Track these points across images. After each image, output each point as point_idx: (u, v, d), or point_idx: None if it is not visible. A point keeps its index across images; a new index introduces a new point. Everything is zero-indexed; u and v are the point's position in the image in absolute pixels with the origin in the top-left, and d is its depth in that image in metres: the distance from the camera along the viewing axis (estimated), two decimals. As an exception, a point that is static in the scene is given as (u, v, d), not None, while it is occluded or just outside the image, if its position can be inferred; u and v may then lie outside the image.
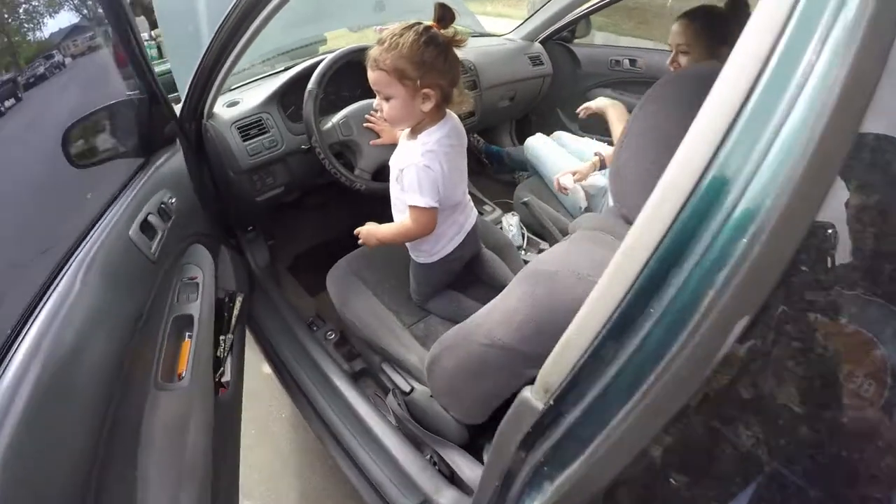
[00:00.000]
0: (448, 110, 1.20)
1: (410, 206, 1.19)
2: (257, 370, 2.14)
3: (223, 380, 1.33)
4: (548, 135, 2.13)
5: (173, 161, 1.38)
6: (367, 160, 1.57)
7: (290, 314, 1.78)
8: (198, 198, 1.48)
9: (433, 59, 1.05)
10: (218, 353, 1.35)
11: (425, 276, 1.42)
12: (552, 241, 1.74)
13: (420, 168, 1.13)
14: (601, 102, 1.67)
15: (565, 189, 1.73)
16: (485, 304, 1.43)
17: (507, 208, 2.17)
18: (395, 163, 1.25)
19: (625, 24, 4.19)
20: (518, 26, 2.32)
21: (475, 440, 1.26)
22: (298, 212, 2.09)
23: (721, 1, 1.48)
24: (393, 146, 1.59)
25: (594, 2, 2.09)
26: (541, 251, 1.80)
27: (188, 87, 1.51)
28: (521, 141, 2.56)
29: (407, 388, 1.40)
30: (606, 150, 1.99)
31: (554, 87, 2.32)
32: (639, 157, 0.75)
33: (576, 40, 2.41)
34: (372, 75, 1.10)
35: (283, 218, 1.98)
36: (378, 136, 1.61)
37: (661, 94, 0.77)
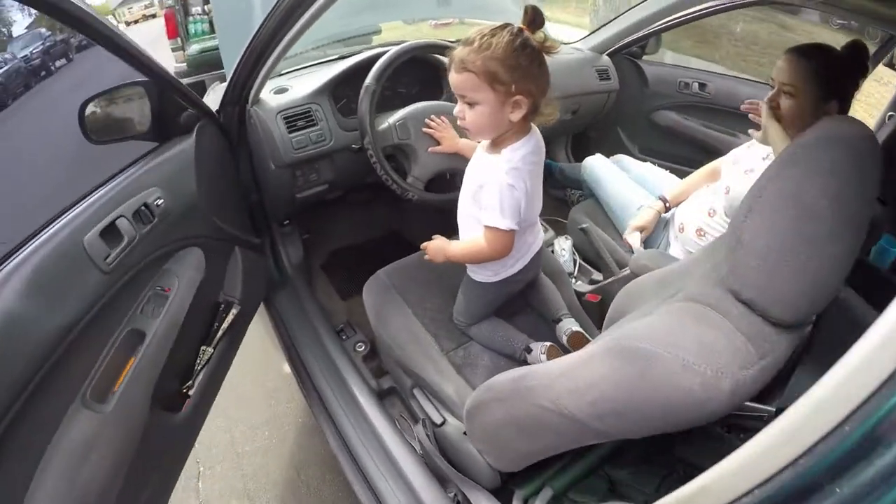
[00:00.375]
0: (532, 124, 1.07)
1: (487, 227, 1.07)
2: (278, 369, 2.02)
3: (189, 392, 1.23)
4: (606, 155, 1.96)
5: (177, 154, 1.23)
6: (422, 168, 1.42)
7: (318, 318, 1.65)
8: (220, 191, 1.36)
9: (528, 63, 0.94)
10: (196, 363, 1.26)
11: (479, 297, 1.29)
12: (607, 272, 1.58)
13: (504, 187, 1.01)
14: (762, 125, 1.34)
15: (631, 246, 1.59)
16: (532, 335, 1.32)
17: (556, 226, 2.01)
18: (472, 177, 1.12)
19: (683, 42, 3.97)
20: (586, 36, 2.15)
21: (506, 485, 1.13)
22: (338, 207, 1.96)
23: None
24: (452, 156, 1.45)
25: (675, 17, 1.90)
26: (592, 281, 1.64)
27: (235, 68, 1.38)
28: (577, 157, 2.40)
29: (439, 420, 1.27)
30: (664, 178, 1.82)
31: (617, 104, 2.15)
32: (772, 227, 0.62)
33: (645, 57, 2.23)
34: (457, 77, 0.98)
35: (321, 212, 1.84)
36: (437, 143, 1.46)
37: (801, 158, 0.64)
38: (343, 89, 1.61)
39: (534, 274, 1.34)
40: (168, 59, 4.18)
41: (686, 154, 2.18)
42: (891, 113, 1.67)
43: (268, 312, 1.74)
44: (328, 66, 1.67)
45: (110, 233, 0.96)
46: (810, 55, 1.23)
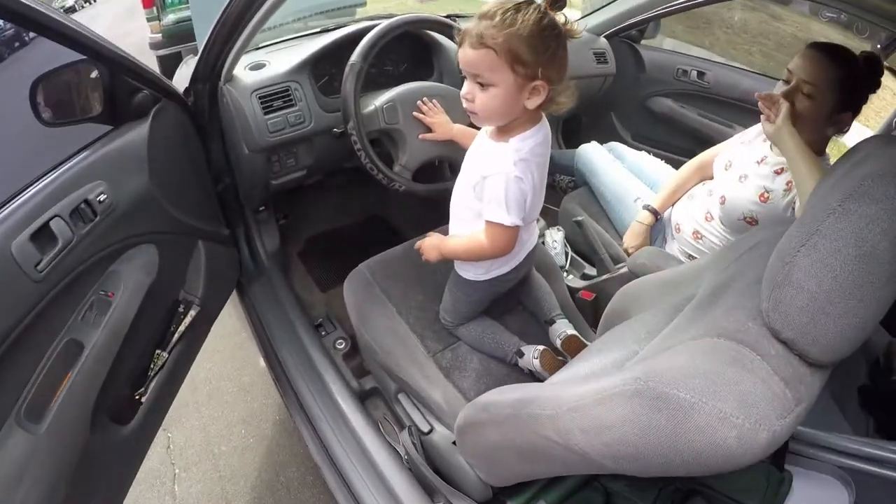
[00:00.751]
0: (542, 113, 0.96)
1: (490, 223, 0.97)
2: (253, 363, 1.89)
3: (142, 398, 1.13)
4: (600, 142, 1.85)
5: (128, 142, 1.08)
6: (410, 156, 1.28)
7: (294, 312, 1.52)
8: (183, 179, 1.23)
9: (555, 46, 0.84)
10: (150, 368, 1.16)
11: (467, 295, 1.18)
12: (601, 267, 1.48)
13: (511, 179, 0.91)
14: (776, 125, 1.17)
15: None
16: (524, 336, 1.20)
17: (545, 214, 1.89)
18: (474, 166, 1.01)
19: (675, 27, 3.84)
20: (584, 16, 2.01)
21: (497, 497, 1.04)
22: (317, 190, 1.81)
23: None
24: (443, 143, 1.31)
25: (678, 2, 1.76)
26: (585, 276, 1.54)
27: (206, 40, 1.23)
28: (567, 143, 2.28)
29: (426, 428, 1.18)
30: (660, 168, 1.71)
31: (612, 88, 2.02)
32: (828, 267, 0.53)
33: (643, 41, 2.10)
34: (472, 54, 0.85)
35: (298, 195, 1.69)
36: (427, 129, 1.32)
37: (870, 193, 0.53)
38: (325, 66, 1.45)
39: (526, 271, 1.24)
40: (144, 29, 3.92)
41: (680, 143, 2.08)
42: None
43: (242, 305, 1.61)
44: (309, 41, 1.51)
45: (43, 235, 0.85)
46: (839, 61, 1.12)
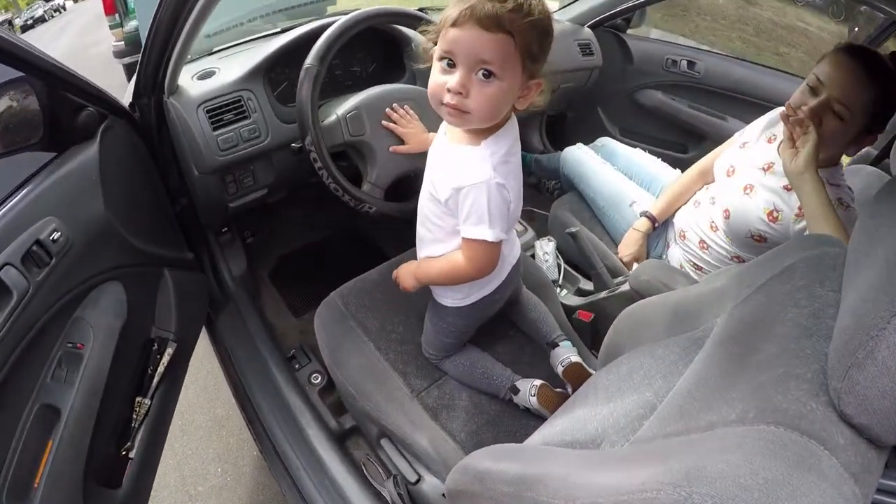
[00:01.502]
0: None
1: (469, 240, 0.81)
2: (227, 395, 1.68)
3: (130, 454, 1.03)
4: (587, 140, 1.66)
5: (77, 168, 0.93)
6: (381, 172, 1.07)
7: (265, 344, 1.33)
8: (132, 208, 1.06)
9: (551, 43, 0.72)
10: (132, 418, 1.04)
11: (449, 325, 1.00)
12: (598, 281, 1.30)
13: (493, 188, 0.76)
14: (798, 167, 0.98)
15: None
16: (517, 366, 1.05)
17: (531, 220, 1.71)
18: (442, 178, 0.82)
19: (652, 15, 3.65)
20: (566, 5, 1.80)
21: None
22: (284, 205, 1.60)
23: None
24: (419, 156, 1.11)
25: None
26: (581, 291, 1.37)
27: (143, 49, 1.05)
28: (552, 142, 2.08)
29: (413, 478, 1.03)
30: (655, 166, 1.54)
31: (598, 82, 1.83)
32: None
33: (629, 31, 1.91)
34: (486, 38, 0.67)
35: (264, 211, 1.49)
36: (400, 141, 1.11)
37: None
38: (282, 70, 1.24)
39: (513, 290, 1.06)
40: (107, 37, 3.63)
41: (671, 137, 1.91)
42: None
43: (210, 338, 1.41)
44: (265, 42, 1.29)
45: None
46: (877, 76, 0.94)
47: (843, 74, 0.96)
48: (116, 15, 3.46)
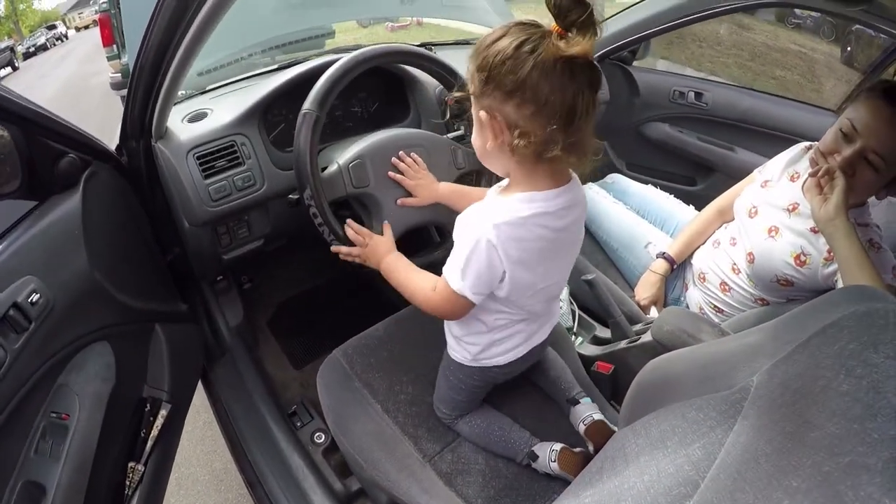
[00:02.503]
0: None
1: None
2: (225, 446, 1.56)
3: None
4: (594, 178, 1.57)
5: (57, 221, 0.85)
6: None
7: (263, 400, 1.22)
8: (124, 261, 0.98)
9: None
10: (126, 485, 0.95)
11: (460, 381, 0.91)
12: (616, 330, 1.19)
13: (481, 243, 0.68)
14: (828, 213, 0.91)
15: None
16: (536, 427, 0.95)
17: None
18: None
19: (654, 45, 3.63)
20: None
21: None
22: (284, 250, 1.49)
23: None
24: (429, 207, 1.00)
25: (674, 20, 1.48)
26: (597, 340, 1.26)
27: (128, 91, 0.96)
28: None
29: None
30: (668, 204, 1.45)
31: (604, 116, 1.75)
32: None
33: (634, 63, 1.83)
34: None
35: (262, 256, 1.38)
36: (408, 193, 0.99)
37: None
38: (279, 112, 1.15)
39: (530, 364, 0.96)
40: (105, 69, 3.55)
41: (679, 171, 1.82)
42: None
43: (206, 391, 1.30)
44: (261, 82, 1.21)
45: None
46: None
47: (882, 125, 0.87)
48: (114, 46, 3.37)
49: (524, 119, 0.62)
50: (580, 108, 0.60)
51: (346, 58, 0.93)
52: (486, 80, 0.62)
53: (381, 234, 0.94)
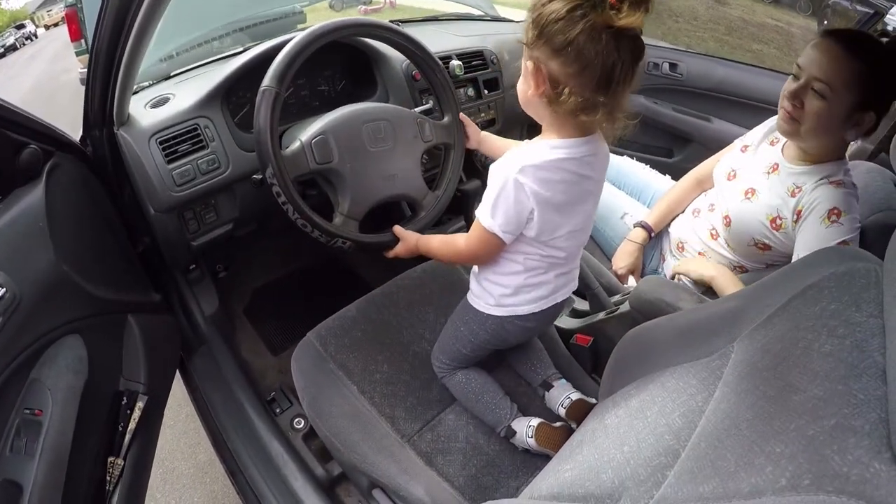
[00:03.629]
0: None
1: (476, 218, 0.80)
2: (206, 441, 1.55)
3: None
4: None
5: (20, 214, 0.82)
6: (354, 201, 0.93)
7: (242, 389, 1.21)
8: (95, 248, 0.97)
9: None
10: (106, 480, 0.94)
11: (472, 333, 0.92)
12: (595, 302, 1.19)
13: (509, 181, 0.73)
14: (702, 271, 1.05)
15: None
16: (518, 401, 0.96)
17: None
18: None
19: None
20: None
21: None
22: (258, 235, 1.47)
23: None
24: (400, 178, 0.99)
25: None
26: (576, 313, 1.25)
27: (87, 79, 0.94)
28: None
29: None
30: (645, 174, 1.45)
31: (580, 89, 1.73)
32: None
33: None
34: None
35: (235, 242, 1.36)
36: (371, 165, 0.97)
37: None
38: (243, 93, 1.12)
39: (541, 330, 1.04)
40: (75, 65, 3.46)
41: (656, 142, 1.81)
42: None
43: (184, 383, 1.28)
44: (223, 64, 1.17)
45: None
46: (855, 52, 0.86)
47: (821, 53, 0.89)
48: (82, 41, 3.29)
49: (566, 77, 0.66)
50: (618, 76, 0.64)
51: (303, 33, 0.90)
52: (538, 35, 0.66)
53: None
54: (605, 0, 0.61)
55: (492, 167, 0.76)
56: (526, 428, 0.90)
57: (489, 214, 0.76)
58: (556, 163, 0.72)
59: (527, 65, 0.70)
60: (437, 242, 0.92)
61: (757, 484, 0.39)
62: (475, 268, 0.90)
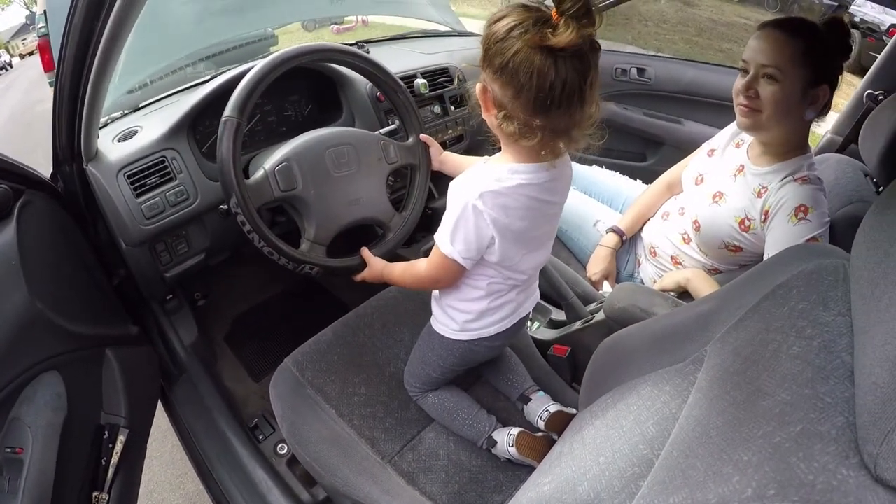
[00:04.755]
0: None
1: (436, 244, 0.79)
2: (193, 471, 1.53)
3: None
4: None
5: None
6: (321, 227, 0.94)
7: (223, 415, 1.20)
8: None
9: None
10: None
11: (440, 358, 0.92)
12: (570, 312, 1.19)
13: (468, 208, 0.71)
14: (678, 277, 1.07)
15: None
16: (498, 416, 0.96)
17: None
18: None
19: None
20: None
21: None
22: (234, 263, 1.47)
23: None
24: (365, 204, 1.00)
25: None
26: (553, 323, 1.26)
27: (53, 113, 0.95)
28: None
29: None
30: (614, 181, 1.47)
31: (549, 99, 1.75)
32: None
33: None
34: None
35: (212, 271, 1.36)
36: (338, 190, 0.98)
37: None
38: (211, 123, 1.12)
39: (509, 343, 1.00)
40: (50, 95, 3.43)
41: (628, 147, 1.84)
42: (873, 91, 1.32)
43: (167, 413, 1.27)
44: (190, 94, 1.17)
45: None
46: (795, 32, 0.90)
47: (764, 41, 0.93)
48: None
49: (507, 100, 0.64)
50: (558, 98, 0.61)
51: (263, 62, 0.91)
52: (483, 56, 0.65)
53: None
54: (549, 18, 0.59)
55: (451, 185, 0.75)
56: (507, 437, 0.90)
57: (448, 241, 0.74)
58: (517, 189, 0.70)
59: (477, 86, 0.69)
60: (399, 270, 0.91)
61: (724, 494, 0.39)
62: (436, 293, 0.90)
